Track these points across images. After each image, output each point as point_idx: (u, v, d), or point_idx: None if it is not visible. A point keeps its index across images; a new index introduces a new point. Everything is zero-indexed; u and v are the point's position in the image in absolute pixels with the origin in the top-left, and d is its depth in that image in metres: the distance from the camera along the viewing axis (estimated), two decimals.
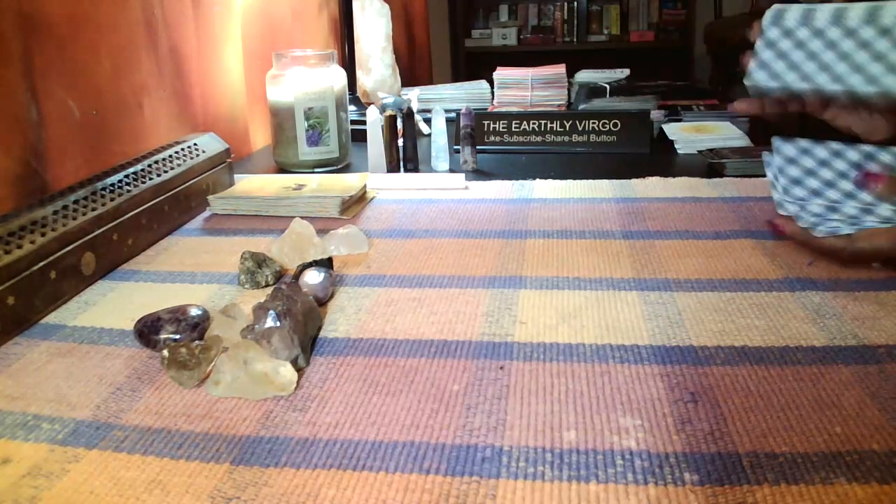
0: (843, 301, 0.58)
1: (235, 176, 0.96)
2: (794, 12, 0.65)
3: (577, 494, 0.38)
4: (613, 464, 0.40)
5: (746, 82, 0.68)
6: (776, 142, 0.69)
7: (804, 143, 0.68)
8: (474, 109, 1.10)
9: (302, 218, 0.73)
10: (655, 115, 1.23)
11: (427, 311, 0.59)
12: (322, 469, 0.40)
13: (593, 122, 1.15)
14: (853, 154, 0.65)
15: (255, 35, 1.24)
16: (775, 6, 0.67)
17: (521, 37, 4.11)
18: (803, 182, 0.67)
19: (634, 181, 0.95)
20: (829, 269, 0.64)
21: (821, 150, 0.67)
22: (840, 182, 0.65)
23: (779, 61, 0.65)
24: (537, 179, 0.97)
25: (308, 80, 1.03)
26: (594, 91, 1.48)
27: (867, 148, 0.65)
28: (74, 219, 0.65)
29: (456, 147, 1.09)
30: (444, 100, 1.46)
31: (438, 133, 1.05)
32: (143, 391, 0.49)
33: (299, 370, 0.50)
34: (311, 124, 1.04)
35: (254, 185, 0.91)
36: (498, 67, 1.49)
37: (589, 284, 0.63)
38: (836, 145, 0.66)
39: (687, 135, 1.16)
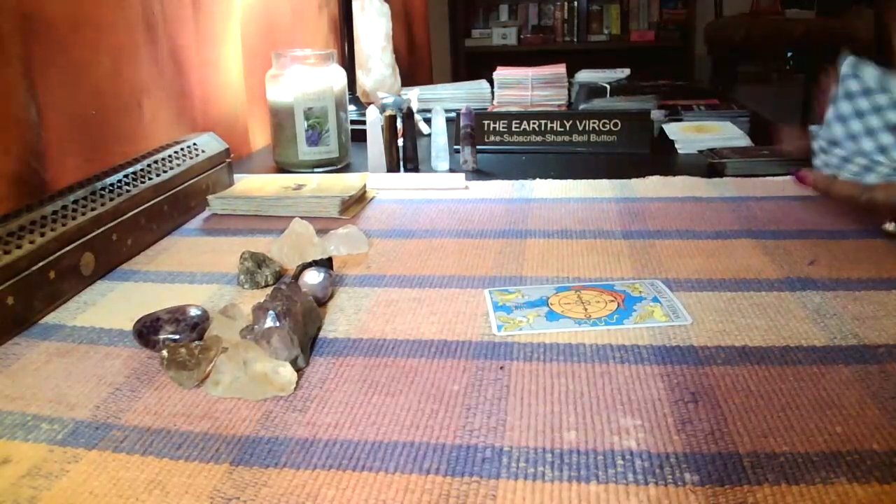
0: (844, 301, 0.58)
1: (235, 176, 0.96)
2: (871, 70, 0.68)
3: (577, 495, 0.38)
4: (614, 464, 0.40)
5: (823, 133, 0.70)
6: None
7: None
8: (474, 109, 1.10)
9: (302, 218, 0.73)
10: (656, 114, 1.23)
11: (427, 311, 0.59)
12: (322, 469, 0.40)
13: (593, 122, 1.15)
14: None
15: (254, 35, 1.24)
16: (851, 57, 0.69)
17: (522, 36, 4.11)
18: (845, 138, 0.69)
19: (634, 181, 0.95)
20: (830, 269, 0.64)
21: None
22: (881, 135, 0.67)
23: (857, 121, 0.67)
24: (537, 179, 0.97)
25: (308, 80, 1.03)
26: (594, 91, 1.48)
27: None
28: (74, 219, 0.65)
29: (456, 147, 1.09)
30: (444, 99, 1.46)
31: (438, 133, 1.05)
32: (143, 391, 0.49)
33: (299, 370, 0.50)
34: (310, 124, 1.04)
35: (253, 185, 0.91)
36: (498, 67, 1.49)
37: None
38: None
39: (687, 134, 1.16)
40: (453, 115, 1.14)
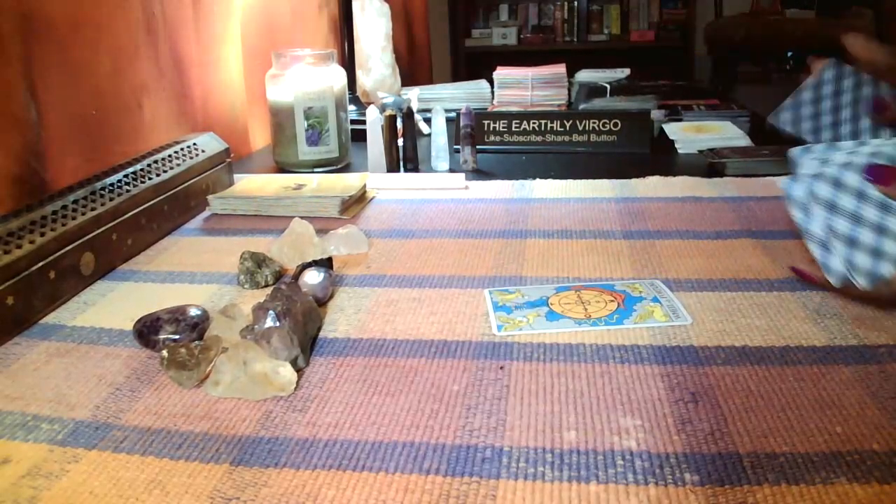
0: (844, 301, 0.58)
1: (235, 176, 0.96)
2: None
3: (577, 495, 0.38)
4: (614, 464, 0.40)
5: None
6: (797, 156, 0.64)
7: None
8: (474, 109, 1.10)
9: (302, 218, 0.73)
10: (656, 114, 1.23)
11: (427, 311, 0.59)
12: (322, 469, 0.40)
13: (593, 122, 1.15)
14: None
15: (255, 35, 1.24)
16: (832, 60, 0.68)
17: (521, 36, 4.11)
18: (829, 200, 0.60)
19: (634, 181, 0.95)
20: None
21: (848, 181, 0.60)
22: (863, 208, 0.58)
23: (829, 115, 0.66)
24: (537, 179, 0.97)
25: (308, 80, 1.03)
26: (594, 91, 1.48)
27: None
28: (74, 219, 0.65)
29: (456, 147, 1.09)
30: (444, 99, 1.46)
31: (438, 133, 1.05)
32: (143, 391, 0.49)
33: (299, 370, 0.50)
34: (310, 124, 1.04)
35: (253, 184, 0.91)
36: (498, 67, 1.49)
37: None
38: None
39: (687, 134, 1.16)
40: (453, 115, 1.14)
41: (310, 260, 0.66)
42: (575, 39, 4.09)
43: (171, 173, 0.81)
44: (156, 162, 0.81)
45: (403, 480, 0.39)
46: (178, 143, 0.87)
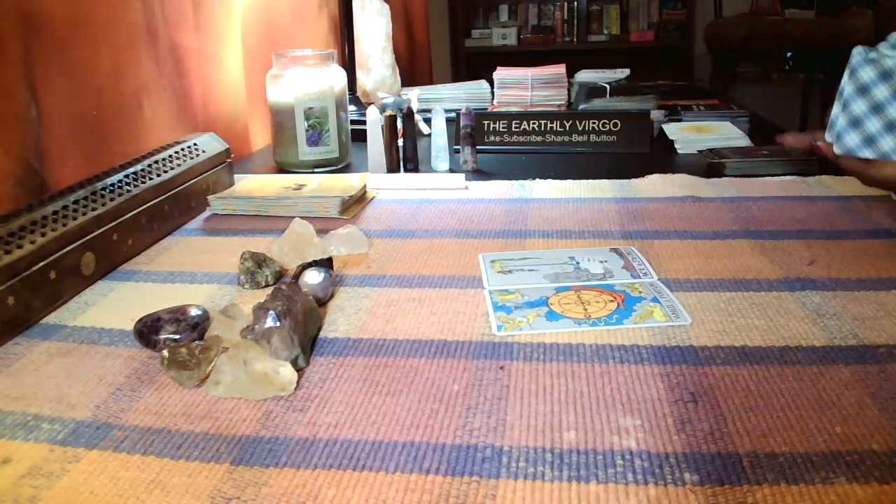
0: (843, 301, 0.58)
1: (235, 176, 0.96)
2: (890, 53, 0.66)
3: (577, 494, 0.38)
4: (613, 464, 0.40)
5: (837, 151, 0.68)
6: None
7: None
8: (474, 109, 1.10)
9: (302, 218, 0.73)
10: (655, 114, 1.23)
11: (427, 311, 0.59)
12: (322, 469, 0.40)
13: (593, 122, 1.15)
14: None
15: (255, 35, 1.24)
16: (860, 47, 0.67)
17: (521, 37, 4.11)
18: (870, 91, 0.66)
19: (634, 181, 0.95)
20: (830, 269, 0.64)
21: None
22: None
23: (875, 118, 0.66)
24: (537, 179, 0.97)
25: (308, 80, 1.03)
26: (594, 91, 1.48)
27: None
28: (74, 219, 0.65)
29: (456, 147, 1.09)
30: (444, 100, 1.46)
31: (438, 133, 1.05)
32: (143, 391, 0.49)
33: (299, 370, 0.50)
34: (311, 124, 1.04)
35: (254, 185, 0.91)
36: (498, 67, 1.49)
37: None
38: None
39: (687, 134, 1.16)
40: (453, 115, 1.14)
41: (310, 260, 0.66)
42: (575, 40, 4.09)
43: (171, 173, 0.81)
44: (156, 162, 0.81)
45: (403, 480, 0.39)
46: (178, 143, 0.88)
